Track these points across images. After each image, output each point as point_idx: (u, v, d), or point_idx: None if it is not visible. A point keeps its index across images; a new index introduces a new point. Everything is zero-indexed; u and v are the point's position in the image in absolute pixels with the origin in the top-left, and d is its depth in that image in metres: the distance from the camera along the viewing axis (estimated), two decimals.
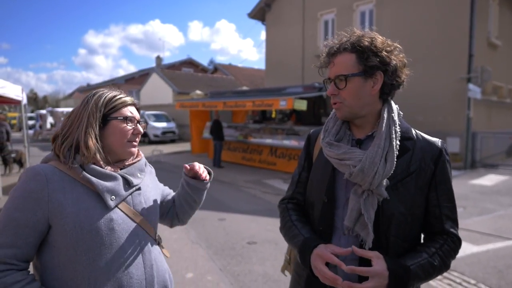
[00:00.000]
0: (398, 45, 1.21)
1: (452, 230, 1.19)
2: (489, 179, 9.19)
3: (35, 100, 51.49)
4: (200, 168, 1.37)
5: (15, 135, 22.80)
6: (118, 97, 1.23)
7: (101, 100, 1.19)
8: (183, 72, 29.27)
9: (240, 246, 4.57)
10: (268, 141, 10.55)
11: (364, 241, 1.15)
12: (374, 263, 1.07)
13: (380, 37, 1.19)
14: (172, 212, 1.47)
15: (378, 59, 1.14)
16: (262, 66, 17.88)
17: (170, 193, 1.51)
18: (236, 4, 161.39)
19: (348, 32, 1.22)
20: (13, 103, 9.98)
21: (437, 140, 1.23)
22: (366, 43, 1.15)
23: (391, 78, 1.17)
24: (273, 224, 5.49)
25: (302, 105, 8.78)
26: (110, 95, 1.22)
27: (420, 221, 1.20)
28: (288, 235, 1.31)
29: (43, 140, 20.77)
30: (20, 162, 9.69)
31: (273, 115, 13.45)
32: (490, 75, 10.80)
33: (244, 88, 18.99)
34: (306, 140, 1.44)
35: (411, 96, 10.86)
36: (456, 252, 1.20)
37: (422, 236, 1.26)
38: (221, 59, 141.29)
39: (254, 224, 5.50)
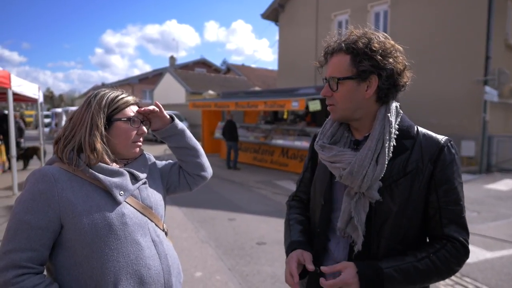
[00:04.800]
0: (399, 47, 1.16)
1: (454, 234, 1.11)
2: (505, 184, 8.99)
3: (51, 99, 52.54)
4: (151, 108, 1.29)
5: (31, 132, 23.31)
6: (120, 97, 1.23)
7: (104, 101, 1.19)
8: (196, 72, 29.46)
9: (250, 247, 4.57)
10: (280, 142, 10.54)
11: (355, 242, 1.14)
12: (342, 272, 1.07)
13: (381, 37, 1.14)
14: (183, 173, 1.44)
15: (371, 63, 1.10)
16: (276, 66, 17.91)
17: (170, 162, 1.48)
18: (253, 4, 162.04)
19: (356, 29, 1.18)
20: (30, 101, 10.20)
21: (440, 138, 1.16)
22: (361, 45, 1.11)
23: (387, 82, 1.13)
24: (283, 225, 5.47)
25: (316, 106, 8.73)
26: (113, 95, 1.22)
27: (418, 224, 1.15)
28: (284, 235, 1.39)
29: None
30: (27, 158, 9.94)
31: (285, 116, 13.43)
32: (508, 77, 10.57)
33: (257, 88, 18.99)
34: (312, 140, 1.43)
35: (425, 98, 10.72)
36: (459, 258, 1.11)
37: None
38: (236, 59, 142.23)
39: (264, 225, 5.49)
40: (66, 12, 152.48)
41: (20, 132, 10.31)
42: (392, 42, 1.16)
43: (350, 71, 1.13)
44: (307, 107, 8.95)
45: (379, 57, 1.10)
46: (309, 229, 1.35)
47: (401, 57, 1.15)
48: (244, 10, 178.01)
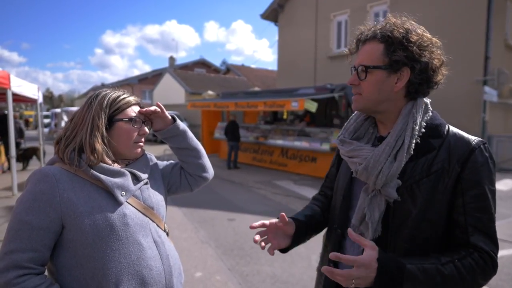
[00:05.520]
0: (438, 41, 1.10)
1: (481, 245, 1.00)
2: (505, 184, 9.00)
3: (50, 99, 52.39)
4: (153, 108, 1.29)
5: (31, 133, 23.29)
6: (122, 97, 1.23)
7: (105, 101, 1.19)
8: (196, 72, 29.46)
9: (249, 247, 4.57)
10: (279, 142, 10.54)
11: None
12: (364, 252, 0.98)
13: (420, 29, 1.08)
14: (184, 173, 1.44)
15: (405, 54, 1.04)
16: (276, 67, 17.92)
17: (172, 163, 1.48)
18: (254, 4, 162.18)
19: (394, 18, 1.12)
20: (29, 102, 10.20)
21: (472, 139, 1.07)
22: (398, 35, 1.05)
23: (419, 76, 1.06)
24: None
25: (312, 106, 8.74)
26: (114, 95, 1.22)
27: (441, 230, 1.06)
28: None
29: None
30: (26, 158, 9.94)
31: (285, 116, 13.43)
32: (507, 77, 10.58)
33: (256, 89, 18.99)
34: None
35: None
36: (485, 272, 1.00)
37: None
38: (235, 60, 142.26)
39: None
40: (66, 12, 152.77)
41: (20, 133, 10.30)
42: (430, 36, 1.09)
43: (382, 60, 1.07)
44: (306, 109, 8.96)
45: (415, 48, 1.04)
46: (317, 219, 1.36)
47: (438, 52, 1.09)
48: (244, 10, 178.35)
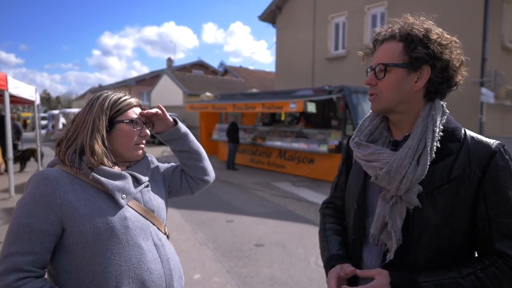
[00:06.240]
0: (457, 40, 1.07)
1: (506, 250, 0.97)
2: None
3: (48, 101, 52.35)
4: (154, 111, 1.28)
5: (28, 134, 23.21)
6: (123, 99, 1.22)
7: (106, 103, 1.18)
8: (194, 74, 29.46)
9: (248, 248, 4.56)
10: (277, 143, 10.55)
11: (389, 251, 1.04)
12: (375, 279, 0.98)
13: (438, 29, 1.06)
14: (185, 176, 1.43)
15: (426, 51, 1.01)
16: (274, 68, 17.94)
17: (173, 165, 1.47)
18: (252, 6, 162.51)
19: (412, 17, 1.10)
20: (26, 103, 10.17)
21: (491, 142, 1.03)
22: (417, 32, 1.03)
23: (440, 75, 1.03)
24: (281, 226, 5.48)
25: (312, 108, 8.76)
26: (115, 97, 1.21)
27: (464, 237, 1.03)
28: (320, 247, 1.28)
29: (55, 140, 21.06)
30: (24, 160, 9.90)
31: (283, 118, 13.44)
32: (504, 79, 10.63)
33: (254, 90, 19.00)
34: (347, 141, 1.33)
35: None
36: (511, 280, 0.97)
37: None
38: (234, 61, 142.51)
39: (262, 226, 5.49)
40: (63, 14, 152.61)
41: (17, 134, 10.27)
42: (450, 36, 1.07)
43: (402, 58, 1.04)
44: (303, 110, 8.98)
45: (436, 46, 1.02)
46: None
47: (458, 52, 1.06)
48: (243, 12, 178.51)
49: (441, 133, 1.05)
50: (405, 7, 11.92)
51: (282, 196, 7.65)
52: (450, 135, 1.06)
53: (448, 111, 1.11)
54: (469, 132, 1.08)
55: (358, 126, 1.21)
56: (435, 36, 1.03)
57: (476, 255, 1.06)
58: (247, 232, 5.21)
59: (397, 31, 1.06)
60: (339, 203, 1.34)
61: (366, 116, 1.22)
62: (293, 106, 8.99)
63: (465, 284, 0.95)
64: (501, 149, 1.02)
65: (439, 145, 1.03)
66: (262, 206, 6.86)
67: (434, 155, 1.02)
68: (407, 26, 1.06)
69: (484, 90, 10.24)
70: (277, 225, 5.55)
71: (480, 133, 9.31)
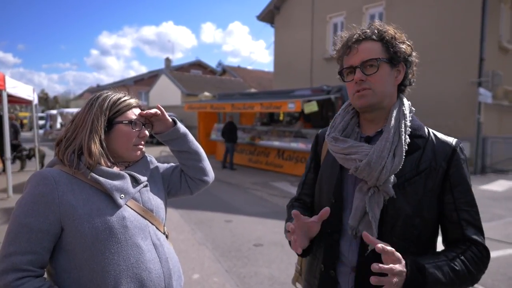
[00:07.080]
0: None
1: (476, 237, 1.07)
2: (500, 185, 9.06)
3: (45, 100, 52.24)
4: (154, 111, 1.28)
5: (26, 134, 23.14)
6: (122, 99, 1.22)
7: (106, 103, 1.18)
8: (192, 74, 29.44)
9: (247, 248, 4.57)
10: (276, 143, 10.55)
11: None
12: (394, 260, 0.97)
13: (398, 30, 1.17)
14: (184, 176, 1.43)
15: (399, 50, 1.12)
16: (272, 68, 17.96)
17: (172, 165, 1.47)
18: (251, 5, 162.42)
19: (359, 27, 1.19)
20: (24, 103, 10.14)
21: (451, 139, 1.14)
22: (391, 33, 1.13)
23: (410, 71, 1.16)
24: (280, 226, 5.48)
25: (313, 108, 8.76)
26: (115, 97, 1.21)
27: (433, 226, 1.12)
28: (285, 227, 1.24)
29: (53, 140, 21.01)
30: (29, 159, 9.87)
31: (281, 118, 13.45)
32: (501, 79, 10.67)
33: (252, 90, 19.00)
34: (314, 140, 1.39)
35: (421, 100, 10.74)
36: (484, 262, 1.06)
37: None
38: (232, 61, 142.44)
39: (261, 226, 5.49)
40: (62, 13, 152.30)
41: (15, 134, 10.25)
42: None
43: (384, 56, 1.12)
44: (302, 110, 8.97)
45: (404, 45, 1.14)
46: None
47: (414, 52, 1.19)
48: (241, 11, 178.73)
49: (409, 129, 1.13)
50: (403, 7, 11.95)
51: (281, 196, 7.65)
52: (416, 131, 1.14)
53: (414, 109, 1.19)
54: (431, 130, 1.18)
55: (331, 122, 1.27)
56: (400, 36, 1.15)
57: (446, 244, 1.13)
58: (246, 232, 5.22)
59: (376, 31, 1.14)
60: (308, 200, 1.37)
61: (336, 113, 1.28)
62: (292, 106, 8.99)
63: (456, 266, 1.02)
64: (460, 145, 1.14)
65: (408, 140, 1.11)
66: (260, 206, 6.87)
67: (407, 148, 1.09)
68: (380, 28, 1.15)
69: (482, 90, 10.28)
70: (275, 225, 5.56)
71: (478, 133, 9.28)
